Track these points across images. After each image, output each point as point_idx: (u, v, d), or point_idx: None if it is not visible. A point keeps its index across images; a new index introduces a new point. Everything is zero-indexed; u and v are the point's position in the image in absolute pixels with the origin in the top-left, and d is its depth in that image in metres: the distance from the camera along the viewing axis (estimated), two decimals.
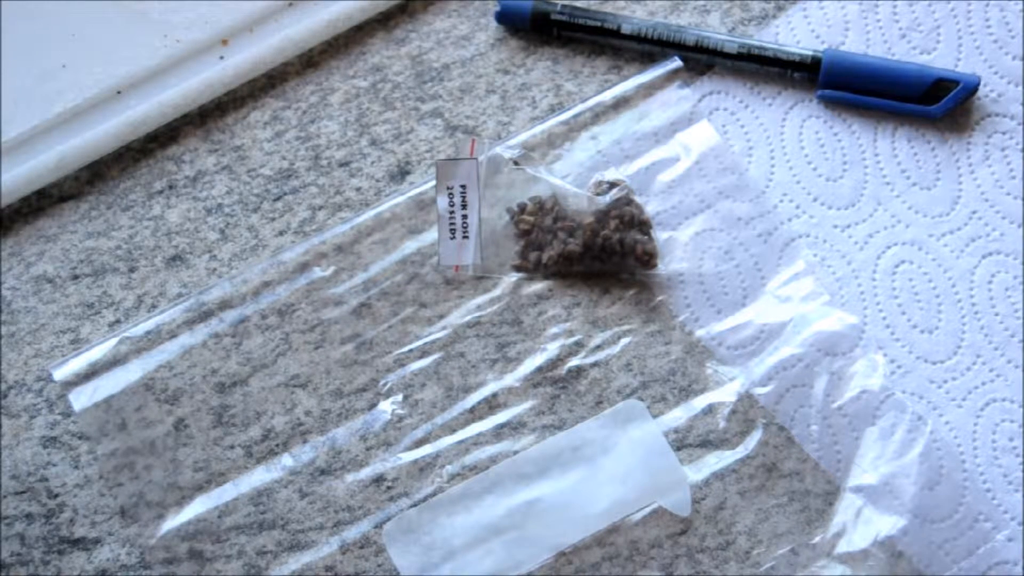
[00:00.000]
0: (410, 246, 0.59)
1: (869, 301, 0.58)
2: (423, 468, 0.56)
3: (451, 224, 0.58)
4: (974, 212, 0.59)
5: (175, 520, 0.56)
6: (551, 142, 0.60)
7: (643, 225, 0.58)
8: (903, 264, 0.59)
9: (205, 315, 0.58)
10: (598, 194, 0.58)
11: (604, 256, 0.58)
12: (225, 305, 0.58)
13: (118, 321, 0.58)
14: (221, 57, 0.60)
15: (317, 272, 0.58)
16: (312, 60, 0.61)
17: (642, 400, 0.57)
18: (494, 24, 0.62)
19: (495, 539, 0.55)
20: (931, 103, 0.59)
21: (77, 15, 0.60)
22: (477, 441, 0.57)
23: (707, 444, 0.57)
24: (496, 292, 0.58)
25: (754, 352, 0.58)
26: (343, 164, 0.60)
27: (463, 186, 0.58)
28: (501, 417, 0.57)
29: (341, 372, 0.57)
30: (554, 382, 0.57)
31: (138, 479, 0.56)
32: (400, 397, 0.57)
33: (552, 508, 0.55)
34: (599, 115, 0.60)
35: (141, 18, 0.60)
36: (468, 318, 0.58)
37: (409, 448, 0.57)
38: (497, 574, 0.55)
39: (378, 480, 0.56)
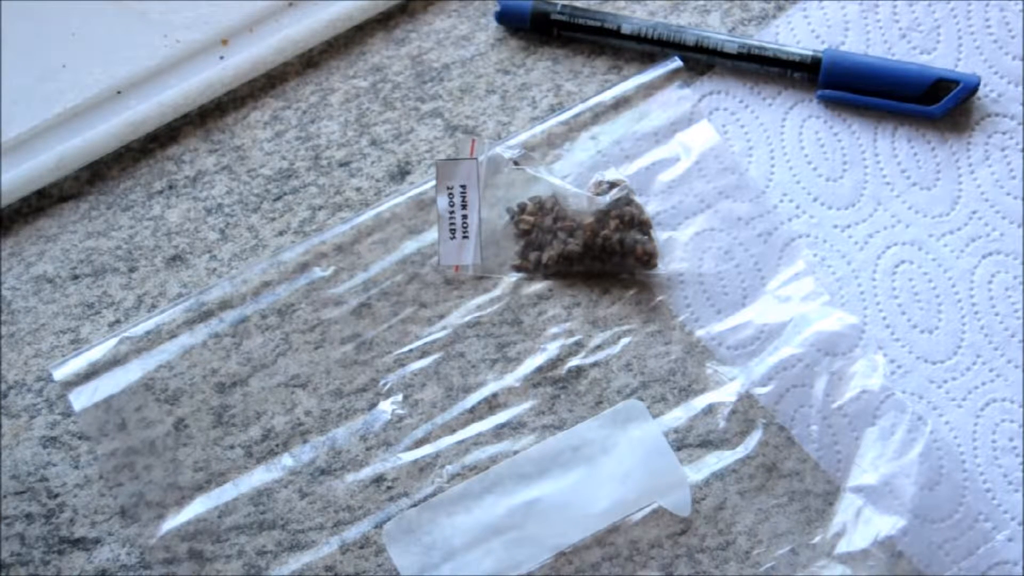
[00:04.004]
0: (410, 246, 0.59)
1: (869, 301, 0.58)
2: (423, 468, 0.56)
3: (451, 224, 0.58)
4: (974, 212, 0.59)
5: (175, 520, 0.56)
6: (551, 142, 0.60)
7: (643, 225, 0.58)
8: (903, 264, 0.59)
9: (205, 315, 0.58)
10: (598, 194, 0.58)
11: (604, 256, 0.58)
12: (225, 305, 0.58)
13: (118, 321, 0.59)
14: (221, 57, 0.60)
15: (317, 272, 0.58)
16: (312, 60, 0.61)
17: (642, 400, 0.57)
18: (494, 24, 0.62)
19: (495, 539, 0.55)
20: (931, 103, 0.59)
21: (77, 15, 0.60)
22: (477, 441, 0.57)
23: (707, 444, 0.57)
24: (496, 292, 0.58)
25: (754, 352, 0.58)
26: (343, 164, 0.60)
27: (463, 186, 0.58)
28: (501, 417, 0.57)
29: (341, 372, 0.57)
30: (554, 382, 0.57)
31: (138, 479, 0.56)
32: (400, 397, 0.57)
33: (552, 508, 0.55)
34: (599, 115, 0.60)
35: (141, 18, 0.60)
36: (468, 318, 0.58)
37: (409, 448, 0.57)
38: (497, 574, 0.55)
39: (378, 480, 0.56)
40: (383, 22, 0.62)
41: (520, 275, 0.58)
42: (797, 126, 0.60)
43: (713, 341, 0.58)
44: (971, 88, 0.59)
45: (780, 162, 0.60)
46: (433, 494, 0.56)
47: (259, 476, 0.56)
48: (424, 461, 0.56)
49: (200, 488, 0.56)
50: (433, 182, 0.59)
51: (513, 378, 0.57)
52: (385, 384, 0.57)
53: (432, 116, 0.60)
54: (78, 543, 0.56)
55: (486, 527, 0.55)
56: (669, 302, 0.58)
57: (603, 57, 0.61)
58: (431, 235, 0.59)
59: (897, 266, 0.59)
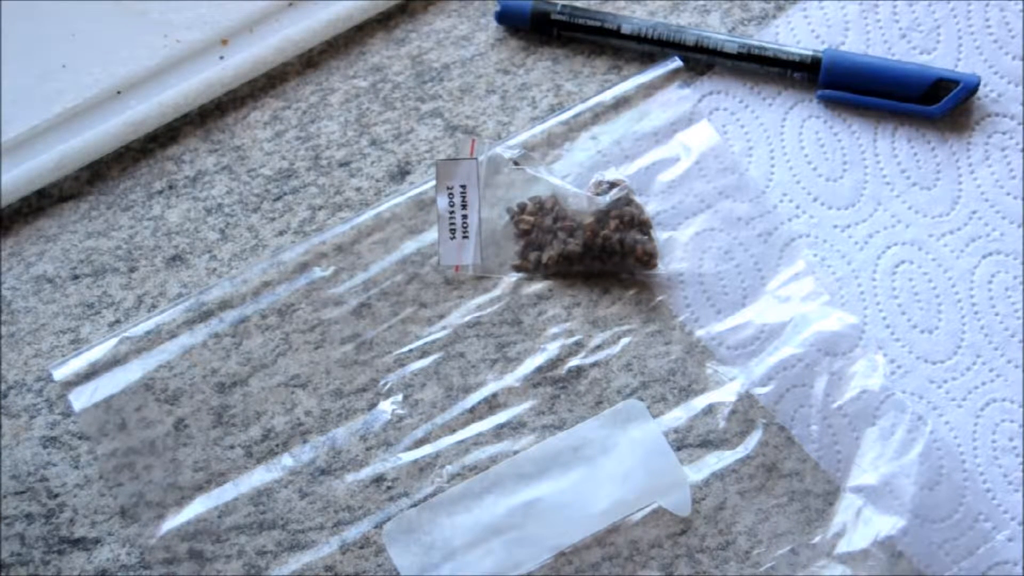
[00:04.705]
0: (410, 246, 0.59)
1: (869, 301, 0.58)
2: (423, 468, 0.56)
3: (451, 224, 0.58)
4: (974, 212, 0.59)
5: (175, 520, 0.56)
6: (551, 142, 0.60)
7: (643, 225, 0.58)
8: (903, 264, 0.59)
9: (205, 315, 0.58)
10: (598, 194, 0.58)
11: (604, 256, 0.58)
12: (225, 305, 0.58)
13: (118, 321, 0.59)
14: (221, 57, 0.60)
15: (317, 272, 0.58)
16: (312, 60, 0.61)
17: (642, 400, 0.57)
18: (494, 24, 0.62)
19: (495, 539, 0.55)
20: (931, 103, 0.59)
21: (77, 15, 0.60)
22: (477, 441, 0.57)
23: (707, 444, 0.57)
24: (496, 292, 0.58)
25: (754, 352, 0.58)
26: (343, 164, 0.60)
27: (463, 186, 0.58)
28: (501, 417, 0.57)
29: (341, 372, 0.57)
30: (554, 382, 0.57)
31: (138, 479, 0.56)
32: (400, 397, 0.57)
33: (552, 508, 0.55)
34: (599, 115, 0.60)
35: (141, 18, 0.60)
36: (468, 318, 0.58)
37: (409, 448, 0.57)
38: (497, 574, 0.55)
39: (378, 480, 0.56)
40: (383, 22, 0.62)
41: (520, 275, 0.58)
42: (797, 126, 0.60)
43: (713, 341, 0.58)
44: (971, 88, 0.59)
45: (780, 162, 0.60)
46: (433, 494, 0.56)
47: (259, 476, 0.56)
48: (424, 461, 0.56)
49: (200, 488, 0.56)
50: (433, 182, 0.59)
51: (513, 378, 0.57)
52: (385, 384, 0.57)
53: (432, 116, 0.60)
54: (78, 543, 0.56)
55: (486, 527, 0.55)
56: (669, 302, 0.58)
57: (603, 57, 0.61)
58: (431, 235, 0.59)
59: (897, 266, 0.59)
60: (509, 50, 0.61)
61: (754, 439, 0.57)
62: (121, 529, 0.56)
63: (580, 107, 0.60)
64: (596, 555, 0.55)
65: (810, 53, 0.59)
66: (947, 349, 0.58)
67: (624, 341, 0.58)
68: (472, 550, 0.55)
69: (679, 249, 0.59)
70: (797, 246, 0.59)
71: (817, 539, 0.56)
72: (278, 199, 0.60)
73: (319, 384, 0.57)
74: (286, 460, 0.57)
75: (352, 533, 0.56)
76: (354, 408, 0.57)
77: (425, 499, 0.56)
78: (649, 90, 0.60)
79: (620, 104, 0.60)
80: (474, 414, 0.57)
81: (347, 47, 0.61)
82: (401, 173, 0.60)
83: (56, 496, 0.57)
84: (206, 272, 0.59)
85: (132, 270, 0.59)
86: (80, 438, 0.57)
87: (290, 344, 0.58)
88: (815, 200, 0.59)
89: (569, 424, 0.57)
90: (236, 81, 0.60)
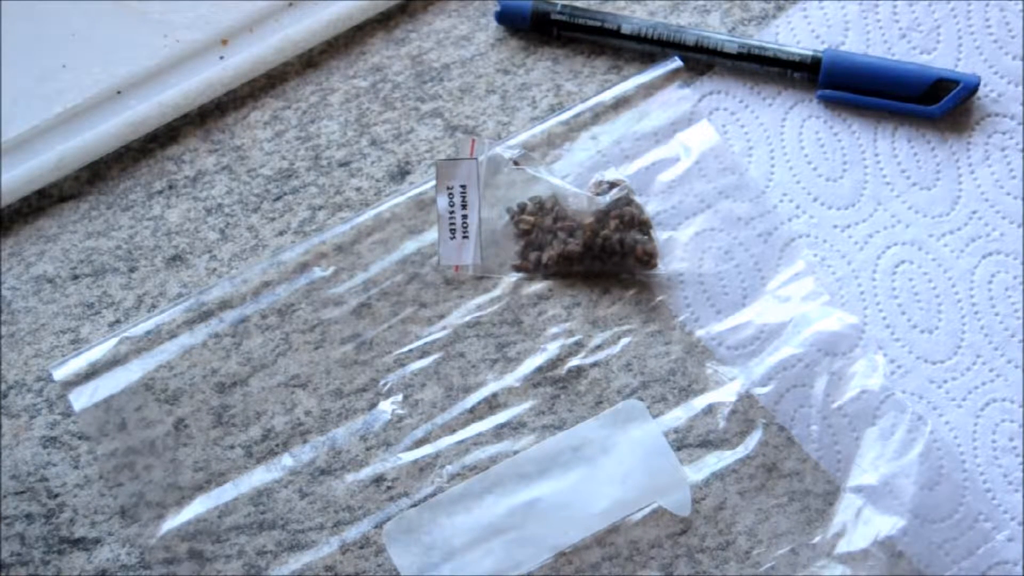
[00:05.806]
0: (410, 246, 0.59)
1: (869, 301, 0.58)
2: (423, 468, 0.56)
3: (451, 224, 0.58)
4: (974, 212, 0.59)
5: (175, 520, 0.56)
6: (551, 142, 0.60)
7: (643, 225, 0.58)
8: (903, 264, 0.59)
9: (205, 315, 0.58)
10: (598, 194, 0.58)
11: (604, 256, 0.58)
12: (225, 305, 0.58)
13: (118, 321, 0.59)
14: (221, 57, 0.60)
15: (317, 272, 0.58)
16: (312, 60, 0.61)
17: (642, 400, 0.57)
18: (494, 24, 0.62)
19: (495, 539, 0.55)
20: (931, 103, 0.59)
21: (77, 15, 0.60)
22: (477, 441, 0.57)
23: (707, 444, 0.57)
24: (496, 292, 0.58)
25: (754, 352, 0.58)
26: (343, 164, 0.60)
27: (463, 186, 0.58)
28: (501, 417, 0.57)
29: (341, 372, 0.57)
30: (554, 382, 0.57)
31: (138, 479, 0.56)
32: (400, 397, 0.57)
33: (552, 508, 0.55)
34: (599, 115, 0.60)
35: (141, 18, 0.60)
36: (468, 318, 0.58)
37: (409, 448, 0.57)
38: (497, 574, 0.55)
39: (378, 480, 0.56)
40: (383, 22, 0.62)
41: (520, 275, 0.58)
42: (797, 126, 0.60)
43: (713, 341, 0.58)
44: (971, 88, 0.59)
45: (780, 162, 0.60)
46: (433, 494, 0.56)
47: (259, 476, 0.56)
48: (424, 461, 0.56)
49: (200, 488, 0.56)
50: (433, 182, 0.59)
51: (513, 378, 0.57)
52: (385, 384, 0.57)
53: (432, 116, 0.60)
54: (78, 543, 0.56)
55: (486, 527, 0.55)
56: (669, 302, 0.58)
57: (603, 57, 0.61)
58: (431, 235, 0.59)
59: (897, 266, 0.59)
60: (509, 50, 0.61)
61: (754, 439, 0.57)
62: (121, 529, 0.56)
63: (580, 107, 0.60)
64: (596, 555, 0.55)
65: (810, 53, 0.59)
66: (947, 349, 0.58)
67: (624, 341, 0.58)
68: (472, 550, 0.55)
69: (679, 249, 0.59)
70: (797, 246, 0.59)
71: (817, 539, 0.56)
72: (278, 199, 0.60)
73: (319, 384, 0.57)
74: (286, 460, 0.57)
75: (352, 533, 0.56)
76: (354, 408, 0.57)
77: (425, 499, 0.56)
78: (649, 90, 0.60)
79: (620, 104, 0.60)
80: (474, 414, 0.57)
81: (347, 47, 0.61)
82: (401, 173, 0.60)
83: (56, 496, 0.57)
84: (206, 272, 0.59)
85: (132, 270, 0.59)
86: (80, 438, 0.57)
87: (290, 344, 0.58)
88: (815, 200, 0.59)
89: (569, 424, 0.57)
90: (236, 81, 0.60)
